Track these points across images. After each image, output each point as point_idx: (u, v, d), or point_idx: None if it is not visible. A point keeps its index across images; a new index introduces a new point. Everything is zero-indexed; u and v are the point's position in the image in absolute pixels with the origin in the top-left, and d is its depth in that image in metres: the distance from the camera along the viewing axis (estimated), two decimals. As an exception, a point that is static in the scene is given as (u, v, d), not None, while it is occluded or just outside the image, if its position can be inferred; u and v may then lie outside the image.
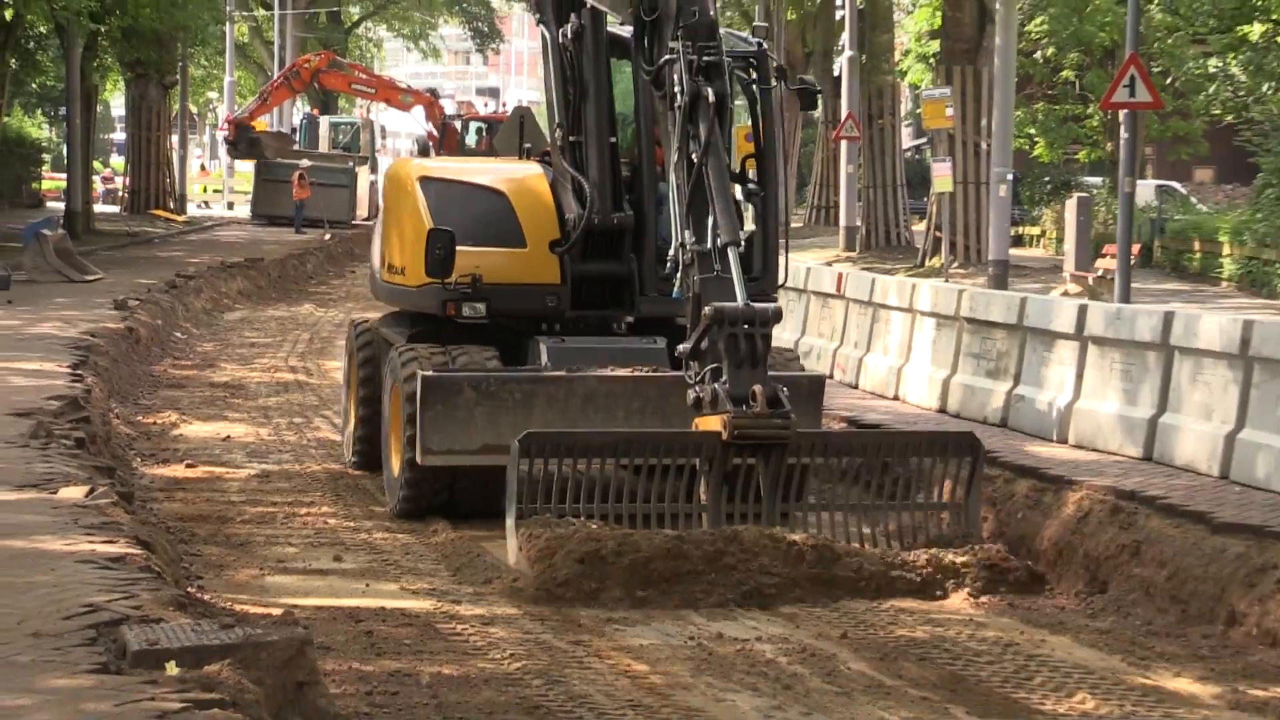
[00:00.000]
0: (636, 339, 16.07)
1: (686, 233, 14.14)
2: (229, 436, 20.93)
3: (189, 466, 18.79)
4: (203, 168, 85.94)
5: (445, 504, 15.53)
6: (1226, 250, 39.99)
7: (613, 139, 16.06)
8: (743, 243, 14.40)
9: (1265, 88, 33.26)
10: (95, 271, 35.70)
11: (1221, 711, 10.97)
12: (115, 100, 67.30)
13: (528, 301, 16.09)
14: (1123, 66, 30.85)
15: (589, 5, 15.91)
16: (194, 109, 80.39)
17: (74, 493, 13.29)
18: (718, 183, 14.01)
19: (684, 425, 13.92)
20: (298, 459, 19.68)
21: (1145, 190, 44.61)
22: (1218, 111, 42.59)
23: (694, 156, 14.05)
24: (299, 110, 79.58)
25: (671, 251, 14.53)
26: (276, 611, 12.32)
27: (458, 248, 15.57)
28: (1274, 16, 27.87)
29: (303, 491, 17.78)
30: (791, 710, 10.65)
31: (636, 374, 15.15)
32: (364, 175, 63.30)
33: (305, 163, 58.59)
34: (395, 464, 15.88)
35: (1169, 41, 41.52)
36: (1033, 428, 18.88)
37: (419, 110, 66.83)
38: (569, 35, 16.11)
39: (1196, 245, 41.88)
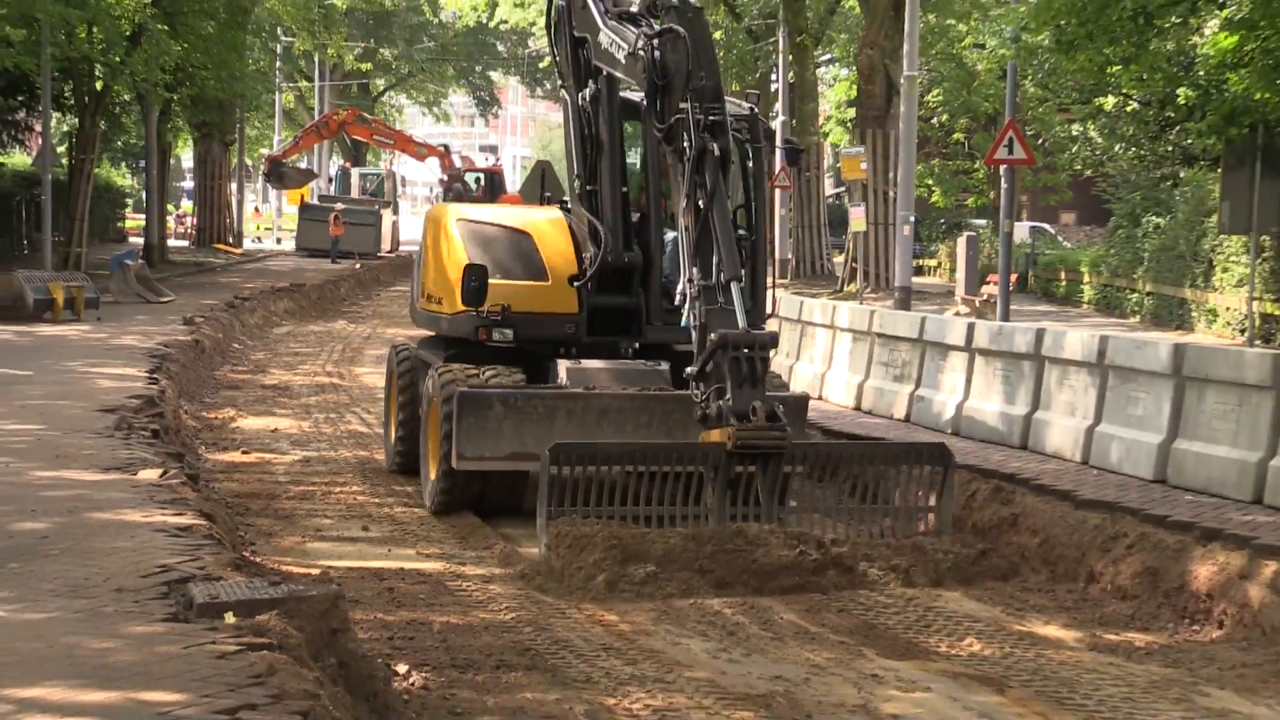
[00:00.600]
0: (643, 362, 15.65)
1: (694, 269, 13.73)
2: (276, 429, 20.92)
3: (244, 453, 18.78)
4: (256, 210, 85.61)
5: (476, 502, 15.18)
6: (1086, 279, 40.12)
7: (624, 189, 15.69)
8: (743, 278, 13.99)
9: (1117, 148, 33.38)
10: (168, 294, 35.67)
11: (1082, 652, 11.01)
12: (185, 155, 67.10)
13: (549, 328, 15.63)
14: (1003, 130, 30.88)
15: (605, 73, 15.55)
16: (249, 162, 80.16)
17: (150, 474, 13.28)
18: (722, 225, 13.64)
19: (685, 436, 13.69)
20: (333, 447, 19.68)
21: (1021, 230, 44.67)
22: (1079, 167, 42.72)
23: (701, 203, 13.66)
24: (335, 162, 79.41)
25: (680, 286, 14.11)
26: (315, 571, 12.30)
27: (489, 281, 15.26)
28: (1124, 91, 27.93)
29: (337, 474, 17.78)
30: (734, 651, 10.66)
31: (644, 392, 14.89)
32: (387, 216, 63.26)
33: (340, 206, 58.85)
34: (432, 468, 15.33)
35: (1040, 110, 41.67)
36: (931, 423, 18.93)
37: (433, 161, 66.78)
38: (587, 99, 15.82)
39: (1063, 275, 42.00)
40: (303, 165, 67.26)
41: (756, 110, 16.55)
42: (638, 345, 15.77)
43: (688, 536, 12.56)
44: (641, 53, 14.21)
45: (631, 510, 13.13)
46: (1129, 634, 11.58)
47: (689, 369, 13.67)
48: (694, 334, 13.71)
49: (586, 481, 12.97)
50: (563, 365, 15.28)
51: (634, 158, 16.31)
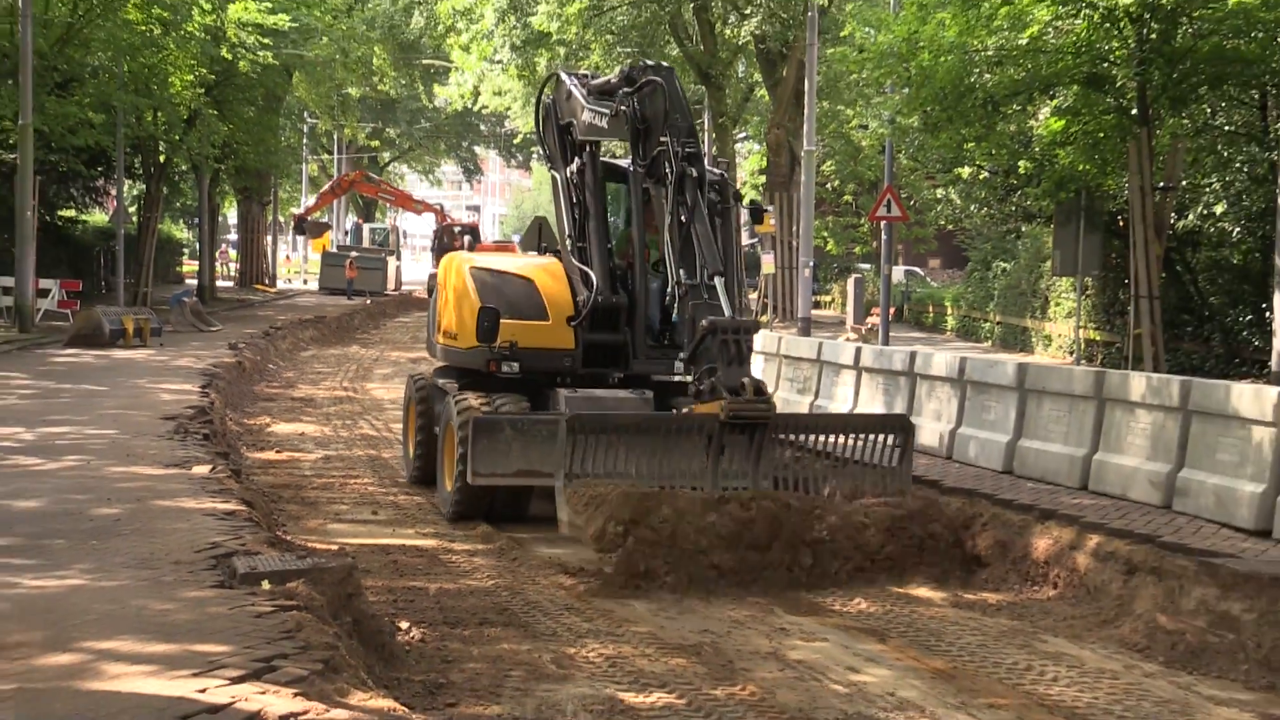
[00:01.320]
0: (630, 391, 15.04)
1: (681, 272, 13.05)
2: (303, 432, 20.81)
3: (277, 452, 18.68)
4: (287, 257, 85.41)
5: (487, 512, 14.42)
6: (949, 311, 40.30)
7: (610, 244, 15.21)
8: (724, 272, 13.16)
9: (972, 208, 33.42)
10: (217, 325, 35.50)
11: (947, 609, 11.05)
12: (230, 213, 66.85)
13: (550, 362, 14.96)
14: (882, 193, 31.06)
15: (589, 149, 15.25)
16: (281, 219, 80.00)
17: (202, 469, 13.21)
18: (703, 233, 13.05)
19: (669, 454, 12.47)
20: (348, 447, 19.59)
21: (897, 273, 44.88)
22: (943, 222, 42.76)
23: (683, 217, 13.13)
24: (350, 219, 79.25)
25: (669, 288, 13.58)
26: (334, 547, 12.25)
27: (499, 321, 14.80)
28: (977, 163, 28.06)
29: (351, 469, 17.70)
30: (671, 610, 10.67)
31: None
32: (392, 262, 63.38)
33: (354, 254, 59.16)
34: (449, 482, 14.60)
35: (911, 177, 41.79)
36: (826, 426, 18.94)
37: (429, 215, 66.76)
38: (574, 173, 15.42)
39: (930, 308, 42.18)
40: (322, 220, 67.24)
41: (727, 176, 16.09)
42: (621, 375, 15.17)
43: (691, 499, 11.71)
44: (624, 108, 13.86)
45: (637, 469, 12.20)
46: (983, 594, 11.63)
47: (682, 354, 13.15)
48: (685, 327, 13.12)
49: (598, 449, 12.13)
50: (561, 393, 14.74)
51: (615, 214, 15.86)
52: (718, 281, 12.86)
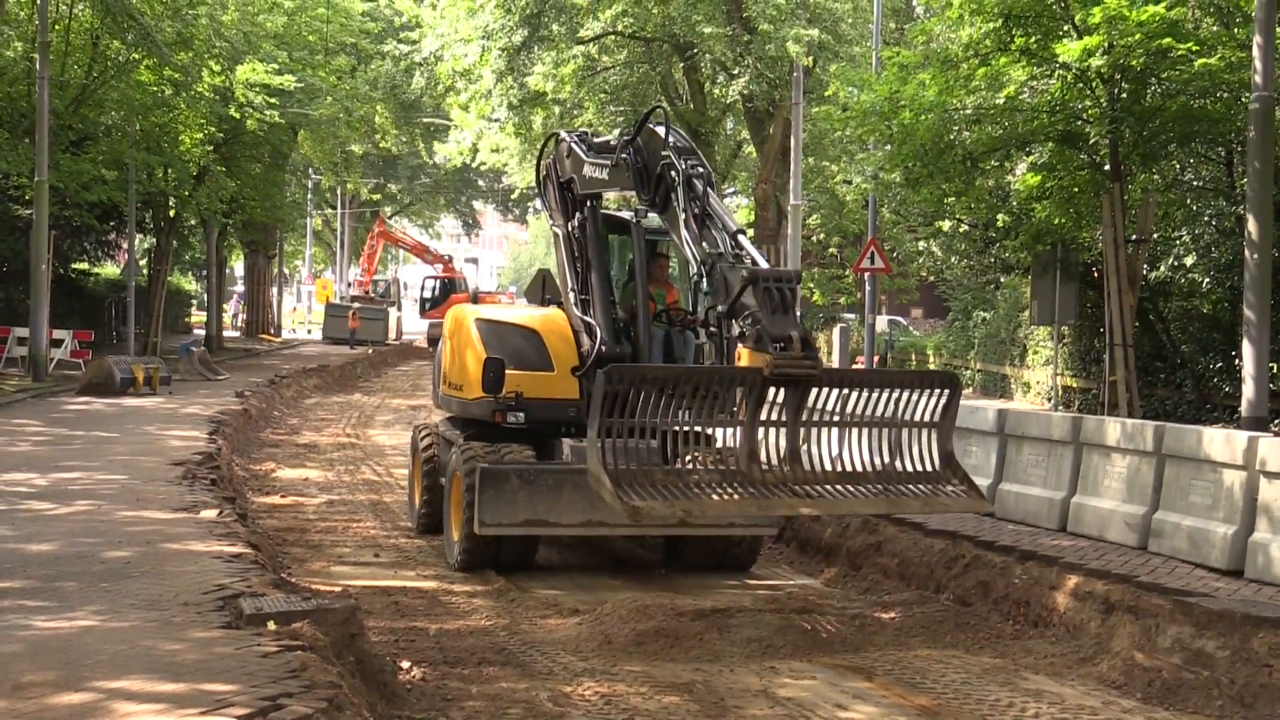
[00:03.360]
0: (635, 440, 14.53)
1: (704, 245, 11.90)
2: (307, 478, 20.76)
3: (282, 497, 18.62)
4: (293, 308, 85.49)
5: (494, 562, 13.86)
6: (931, 359, 40.38)
7: (612, 297, 14.74)
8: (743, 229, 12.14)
9: (952, 259, 33.64)
10: (224, 373, 35.46)
11: (931, 648, 11.01)
12: (237, 265, 66.96)
13: (555, 411, 14.49)
14: (866, 245, 31.19)
15: (589, 204, 14.86)
16: (287, 271, 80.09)
17: (209, 514, 13.17)
18: (719, 209, 12.12)
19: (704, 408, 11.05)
20: (351, 492, 19.53)
21: (881, 322, 44.91)
22: (924, 274, 43.03)
23: (696, 209, 12.10)
24: (353, 270, 79.29)
25: (694, 269, 12.18)
26: (337, 589, 12.18)
27: (505, 371, 14.49)
28: (957, 216, 28.21)
29: (354, 513, 17.64)
30: (665, 650, 10.61)
31: None
32: (393, 313, 63.59)
33: (356, 305, 59.33)
34: (456, 532, 14.00)
35: (894, 230, 41.89)
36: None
37: (438, 266, 67.15)
38: (575, 227, 15.01)
39: (913, 356, 42.23)
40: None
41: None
42: None
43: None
44: (624, 157, 13.42)
45: (671, 421, 10.92)
46: (966, 632, 11.61)
47: (721, 308, 11.65)
48: (718, 290, 11.68)
49: (633, 402, 10.68)
50: (566, 443, 14.35)
51: (615, 268, 15.54)
52: (742, 239, 11.80)
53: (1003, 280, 33.26)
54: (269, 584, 9.92)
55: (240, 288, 66.50)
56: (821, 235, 48.45)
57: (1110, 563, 12.15)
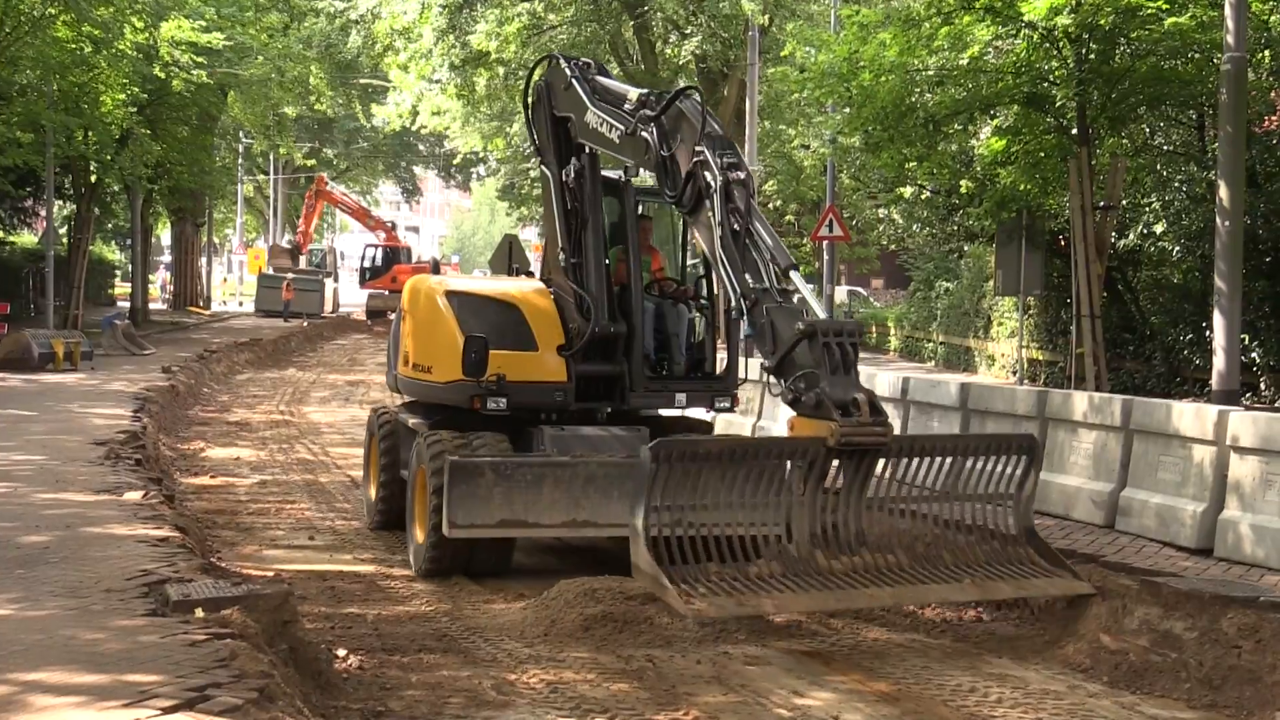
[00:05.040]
0: (624, 428, 13.55)
1: (746, 277, 11.05)
2: (238, 457, 20.64)
3: (211, 477, 18.52)
4: (223, 279, 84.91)
5: (464, 567, 12.84)
6: (893, 332, 40.61)
7: (606, 261, 13.69)
8: (796, 265, 11.37)
9: (914, 227, 33.78)
10: (149, 348, 35.21)
11: (891, 632, 11.07)
12: (164, 234, 66.37)
13: (540, 396, 13.40)
14: (824, 213, 31.26)
15: (588, 150, 13.55)
16: (216, 240, 79.50)
17: (134, 495, 13.08)
18: (766, 234, 11.23)
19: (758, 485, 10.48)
20: (285, 472, 19.44)
21: (840, 293, 45.17)
22: (885, 242, 43.31)
23: (736, 225, 11.18)
24: (286, 237, 78.87)
25: (734, 303, 11.28)
26: (270, 574, 12.16)
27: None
28: (919, 182, 28.31)
29: (288, 494, 17.57)
30: (613, 635, 10.61)
31: (630, 459, 12.24)
32: (329, 284, 63.32)
33: (290, 275, 58.98)
34: (420, 534, 12.95)
35: (853, 197, 42.12)
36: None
37: (380, 233, 66.78)
38: (571, 176, 13.73)
39: (874, 328, 42.47)
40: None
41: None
42: (609, 411, 13.77)
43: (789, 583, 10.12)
44: (644, 134, 12.14)
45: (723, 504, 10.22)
46: (926, 615, 11.67)
47: (765, 362, 10.95)
48: (764, 336, 10.92)
49: (682, 480, 10.07)
50: (547, 431, 13.28)
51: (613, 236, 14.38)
52: (794, 275, 11.12)
53: (966, 249, 33.45)
54: (197, 569, 9.87)
55: (167, 258, 65.92)
56: (778, 202, 48.56)
57: (1077, 542, 12.26)
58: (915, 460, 11.00)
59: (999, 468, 11.17)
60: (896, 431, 16.22)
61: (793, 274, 11.11)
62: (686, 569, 9.93)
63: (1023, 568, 10.84)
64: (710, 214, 11.48)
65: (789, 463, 10.46)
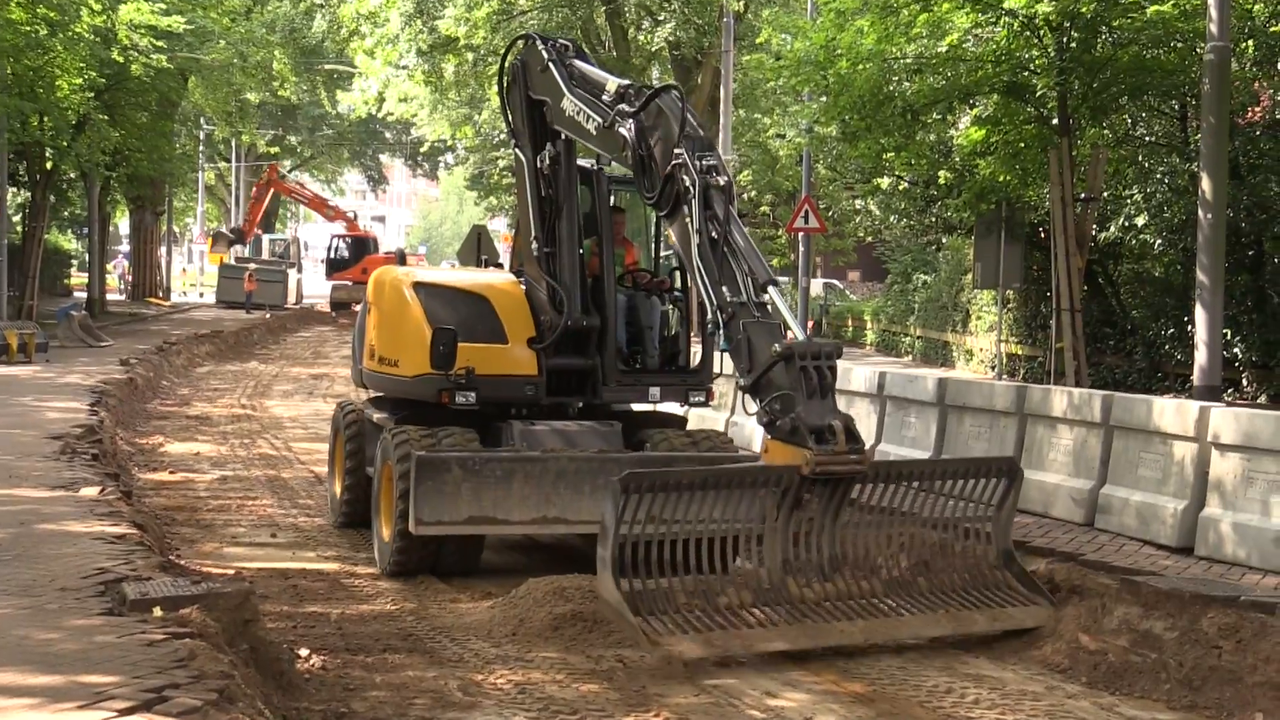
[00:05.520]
0: (597, 423, 13.55)
1: (723, 289, 11.04)
2: (198, 452, 20.57)
3: (170, 473, 18.45)
4: (183, 269, 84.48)
5: (431, 565, 12.81)
6: (869, 325, 40.69)
7: (580, 251, 13.59)
8: (776, 281, 11.29)
9: (892, 219, 33.77)
10: (107, 340, 35.01)
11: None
12: (122, 222, 66.09)
13: (510, 390, 13.30)
14: (800, 204, 31.28)
15: (564, 136, 13.38)
16: (176, 229, 79.18)
17: (90, 491, 13.01)
18: (744, 244, 11.15)
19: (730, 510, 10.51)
20: (246, 468, 19.37)
21: (816, 285, 45.16)
22: (862, 234, 43.34)
23: (715, 233, 11.13)
24: (226, 225, 78.70)
25: (710, 315, 11.28)
26: (230, 572, 12.13)
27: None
28: (897, 173, 28.37)
29: (249, 490, 17.51)
30: (583, 635, 10.61)
31: (602, 454, 12.64)
32: (293, 274, 63.12)
33: (252, 265, 58.85)
34: (386, 532, 12.87)
35: (830, 188, 42.14)
36: (744, 443, 19.00)
37: (333, 227, 66.51)
38: (545, 162, 13.57)
39: (850, 322, 42.56)
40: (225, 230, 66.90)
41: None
42: (580, 405, 13.79)
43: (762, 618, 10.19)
44: (622, 130, 12.03)
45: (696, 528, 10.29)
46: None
47: (742, 381, 10.95)
48: (740, 352, 10.94)
49: (653, 511, 10.09)
50: (517, 426, 13.22)
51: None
52: (772, 292, 11.08)
53: (944, 241, 33.52)
54: (155, 567, 9.83)
55: (125, 247, 65.62)
56: (753, 193, 48.59)
57: (1055, 540, 12.31)
58: (893, 486, 11.10)
59: (978, 491, 11.26)
60: (871, 426, 16.31)
61: (771, 289, 11.07)
62: (654, 597, 9.99)
63: (999, 593, 10.94)
64: (688, 220, 11.39)
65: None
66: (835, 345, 11.11)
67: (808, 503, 10.51)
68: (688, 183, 11.35)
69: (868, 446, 15.92)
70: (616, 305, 13.69)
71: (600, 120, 12.43)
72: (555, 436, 13.21)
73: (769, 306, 11.07)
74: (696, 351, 14.31)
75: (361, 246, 61.65)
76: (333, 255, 62.78)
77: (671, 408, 14.57)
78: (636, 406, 14.21)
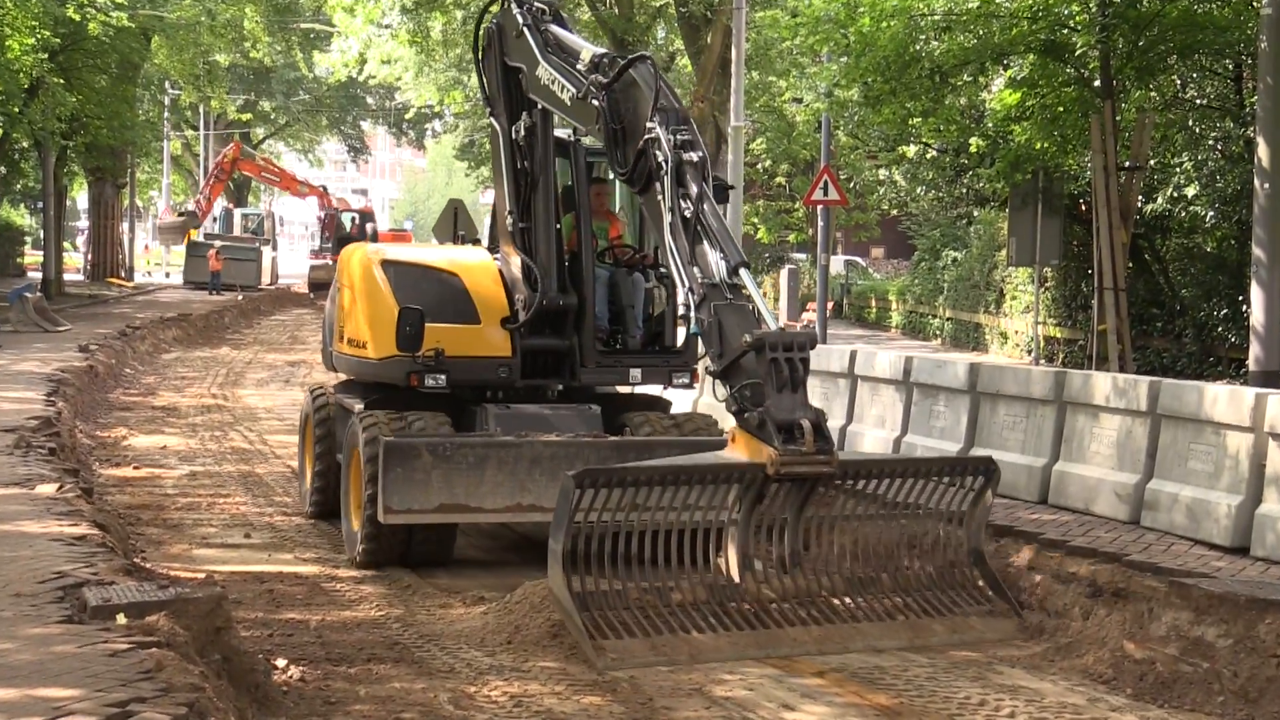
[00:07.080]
0: (575, 406, 13.86)
1: (695, 269, 11.32)
2: (165, 446, 20.60)
3: (135, 468, 18.48)
4: (146, 247, 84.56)
5: (402, 555, 13.15)
6: (894, 306, 40.70)
7: (558, 226, 13.88)
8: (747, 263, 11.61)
9: (918, 190, 33.80)
10: (64, 324, 35.04)
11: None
12: (80, 196, 66.11)
13: (482, 372, 13.64)
14: (819, 174, 31.26)
15: (541, 106, 13.60)
16: (140, 203, 79.13)
17: (47, 488, 13.01)
18: (716, 224, 11.39)
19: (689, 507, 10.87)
20: (217, 462, 19.40)
21: (836, 263, 45.24)
22: (886, 207, 43.27)
23: (687, 213, 11.37)
24: (219, 204, 78.80)
25: (681, 296, 11.99)
26: (201, 576, 12.14)
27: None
28: (924, 140, 28.36)
29: (221, 486, 17.55)
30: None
31: (578, 439, 12.90)
32: (267, 252, 63.02)
33: (219, 243, 58.74)
34: (355, 521, 13.20)
35: (851, 156, 42.14)
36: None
37: (313, 199, 66.34)
38: (521, 132, 13.83)
39: (873, 302, 42.57)
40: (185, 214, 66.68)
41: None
42: (560, 387, 14.11)
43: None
44: (595, 102, 12.27)
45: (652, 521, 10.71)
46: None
47: (710, 367, 11.27)
48: (711, 335, 11.23)
49: (610, 505, 10.50)
50: (491, 410, 13.50)
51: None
52: (744, 274, 11.33)
53: (976, 215, 33.50)
54: (119, 571, 9.83)
55: (84, 223, 65.64)
56: (767, 162, 48.58)
57: (1098, 539, 12.29)
58: (864, 484, 11.49)
59: (954, 489, 11.64)
60: (898, 416, 16.30)
61: (742, 272, 11.33)
62: (604, 596, 10.31)
63: (964, 596, 11.28)
64: (660, 197, 11.68)
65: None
66: (809, 335, 11.44)
67: (771, 499, 10.87)
68: (660, 158, 11.62)
69: (894, 437, 16.13)
70: (596, 283, 13.94)
71: (575, 90, 12.67)
72: (531, 420, 13.47)
73: (742, 288, 11.31)
74: (681, 331, 14.46)
75: (363, 221, 61.56)
76: (345, 230, 61.75)
77: (666, 391, 14.86)
78: (628, 389, 14.44)
